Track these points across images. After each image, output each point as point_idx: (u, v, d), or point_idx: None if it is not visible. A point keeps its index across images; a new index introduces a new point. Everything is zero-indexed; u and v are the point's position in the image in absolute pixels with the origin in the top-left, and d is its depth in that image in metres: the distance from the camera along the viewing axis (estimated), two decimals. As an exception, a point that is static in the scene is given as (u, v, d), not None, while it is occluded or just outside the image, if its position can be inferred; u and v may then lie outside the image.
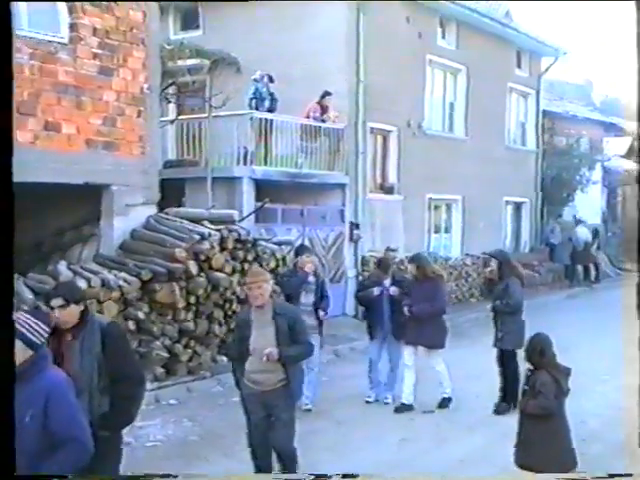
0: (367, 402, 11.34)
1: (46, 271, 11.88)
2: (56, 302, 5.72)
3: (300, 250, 12.12)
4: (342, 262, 18.65)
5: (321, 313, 11.07)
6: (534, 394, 6.65)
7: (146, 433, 9.95)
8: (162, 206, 13.96)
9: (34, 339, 4.68)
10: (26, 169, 11.31)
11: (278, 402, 7.25)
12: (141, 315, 11.94)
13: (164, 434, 9.76)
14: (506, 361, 10.79)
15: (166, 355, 12.06)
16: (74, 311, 5.71)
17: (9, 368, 4.35)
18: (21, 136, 11.57)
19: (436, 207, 22.88)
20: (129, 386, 5.76)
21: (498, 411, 10.62)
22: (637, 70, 5.98)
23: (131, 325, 11.77)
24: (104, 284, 11.54)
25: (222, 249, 13.22)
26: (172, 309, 12.36)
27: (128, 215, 13.23)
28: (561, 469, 6.55)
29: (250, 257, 13.62)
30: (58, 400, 4.62)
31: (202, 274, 12.71)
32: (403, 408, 10.90)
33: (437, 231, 23.02)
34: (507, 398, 10.66)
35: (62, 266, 11.88)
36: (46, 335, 4.80)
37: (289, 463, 7.43)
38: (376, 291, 11.26)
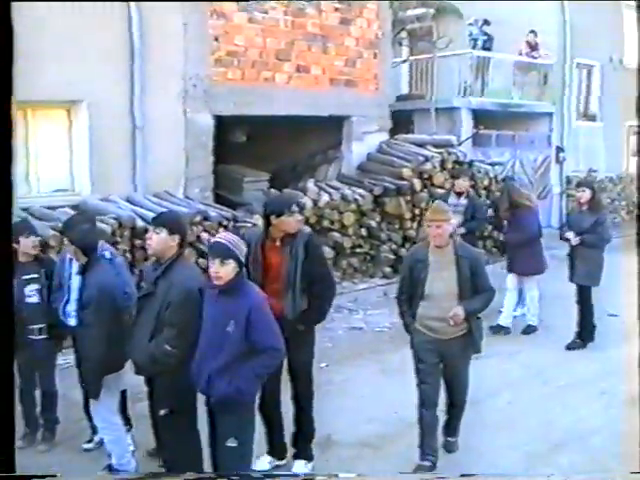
0: None
1: (297, 187, 12.20)
2: (298, 215, 5.65)
3: (457, 172, 11.00)
4: (548, 181, 17.97)
5: (458, 230, 8.67)
6: None
7: (375, 320, 10.14)
8: (393, 133, 13.96)
9: (242, 257, 4.44)
10: (282, 104, 11.89)
11: (456, 351, 5.65)
12: (373, 224, 12.09)
13: (390, 322, 9.75)
14: (585, 297, 8.79)
15: (392, 257, 12.11)
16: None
17: (8, 369, 4.19)
18: (279, 77, 11.97)
19: (636, 133, 21.56)
20: (323, 288, 5.56)
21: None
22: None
23: (364, 232, 11.96)
24: (343, 198, 11.77)
25: (442, 169, 13.04)
26: (399, 219, 12.40)
27: (364, 141, 13.38)
28: None
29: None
30: (259, 313, 4.42)
31: (425, 190, 12.64)
32: (498, 329, 9.38)
33: (636, 155, 21.68)
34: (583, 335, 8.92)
35: (310, 183, 12.10)
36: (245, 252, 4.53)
37: (458, 410, 5.96)
38: None
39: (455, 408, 5.95)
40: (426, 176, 12.77)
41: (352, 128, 13.23)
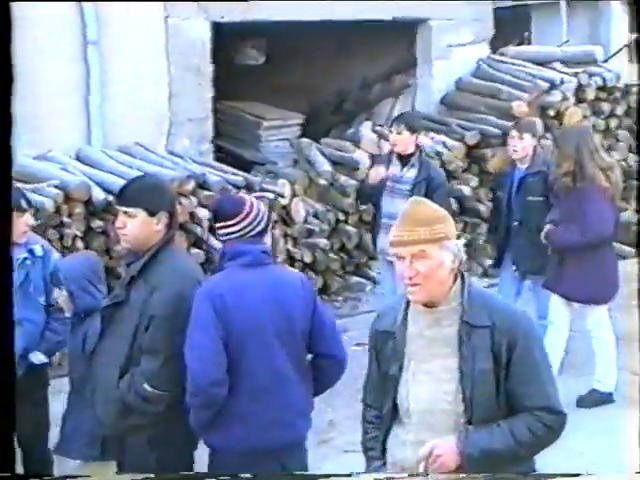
0: None
1: (345, 135, 11.97)
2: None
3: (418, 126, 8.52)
4: None
5: None
6: None
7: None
8: (497, 45, 13.30)
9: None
10: (320, 4, 11.23)
11: None
12: (466, 190, 11.36)
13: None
14: None
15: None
16: None
17: (9, 366, 4.34)
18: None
19: None
20: None
21: None
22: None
23: (452, 202, 10.76)
24: (419, 150, 11.13)
25: (579, 100, 12.40)
26: (507, 181, 11.64)
27: (451, 59, 12.82)
28: None
29: (620, 111, 12.62)
30: None
31: (549, 135, 11.62)
32: None
33: None
34: None
35: (366, 128, 11.75)
36: None
37: None
38: None
39: None
40: (552, 113, 12.11)
41: (431, 39, 12.63)
